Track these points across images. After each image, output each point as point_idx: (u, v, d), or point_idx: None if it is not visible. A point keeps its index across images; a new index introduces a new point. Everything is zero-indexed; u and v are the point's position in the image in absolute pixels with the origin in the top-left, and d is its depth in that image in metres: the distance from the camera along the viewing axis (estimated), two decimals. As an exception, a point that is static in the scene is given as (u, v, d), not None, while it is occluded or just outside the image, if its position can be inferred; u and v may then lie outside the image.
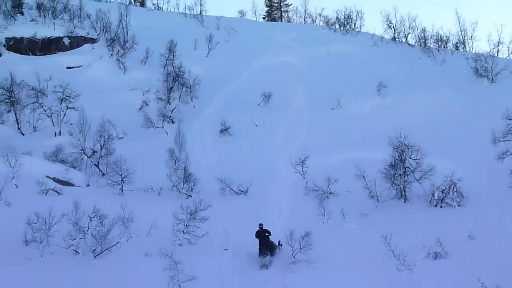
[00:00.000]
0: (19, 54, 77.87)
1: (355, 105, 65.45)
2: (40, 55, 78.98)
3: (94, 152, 49.66)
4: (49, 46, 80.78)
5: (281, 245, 32.34)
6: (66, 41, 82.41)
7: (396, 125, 44.44)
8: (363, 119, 60.73)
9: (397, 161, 40.68)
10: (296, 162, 45.69)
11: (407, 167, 40.24)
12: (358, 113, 62.94)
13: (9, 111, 61.38)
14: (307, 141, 55.64)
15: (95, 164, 49.04)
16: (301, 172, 45.23)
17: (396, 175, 40.36)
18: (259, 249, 31.87)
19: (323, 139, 55.36)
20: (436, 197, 38.07)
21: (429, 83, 68.69)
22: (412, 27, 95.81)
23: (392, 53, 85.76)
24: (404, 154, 40.62)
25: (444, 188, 37.94)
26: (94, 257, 30.36)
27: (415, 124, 51.86)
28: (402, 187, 40.09)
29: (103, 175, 47.80)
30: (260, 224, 32.95)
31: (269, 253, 31.80)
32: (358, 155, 47.21)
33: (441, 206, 37.79)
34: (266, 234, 32.27)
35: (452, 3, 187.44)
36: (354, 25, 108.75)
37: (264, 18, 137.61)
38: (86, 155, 49.46)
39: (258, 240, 32.20)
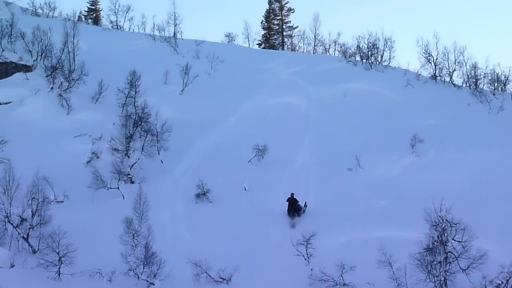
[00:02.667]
0: None
1: (381, 165, 65.81)
2: (-48, 86, 79.15)
3: (22, 220, 49.32)
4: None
5: (306, 206, 56.77)
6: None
7: (435, 194, 44.62)
8: (390, 184, 60.95)
9: (436, 243, 40.75)
10: (298, 241, 45.67)
11: (449, 251, 40.32)
12: (384, 177, 63.21)
13: None
14: (314, 212, 55.69)
15: (23, 237, 48.69)
16: (305, 255, 45.17)
17: (434, 263, 40.40)
18: (288, 211, 56.12)
19: (336, 210, 55.43)
20: (489, 294, 38.11)
21: (481, 138, 69.28)
22: (459, 62, 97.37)
23: (431, 97, 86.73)
24: (446, 234, 40.74)
25: (500, 282, 37.99)
26: None
27: (461, 193, 52.14)
28: (443, 278, 40.09)
29: (34, 252, 47.44)
30: (292, 193, 56.77)
31: (296, 214, 55.75)
32: (383, 233, 47.29)
33: (495, 307, 37.83)
34: (296, 201, 56.39)
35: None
36: (381, 57, 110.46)
37: (260, 44, 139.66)
38: (12, 224, 49.09)
39: (288, 203, 56.30)
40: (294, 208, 56.15)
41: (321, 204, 57.62)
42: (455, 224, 40.84)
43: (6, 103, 76.76)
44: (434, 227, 41.07)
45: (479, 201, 52.91)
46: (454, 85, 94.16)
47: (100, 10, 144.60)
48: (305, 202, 56.96)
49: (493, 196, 54.63)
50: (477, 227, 41.16)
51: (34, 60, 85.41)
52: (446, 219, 41.01)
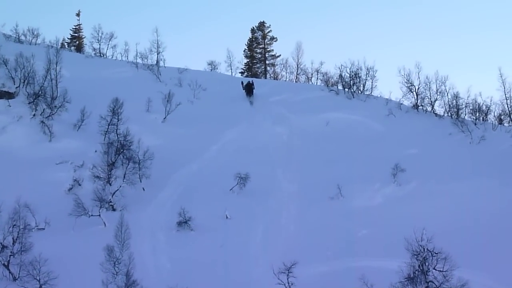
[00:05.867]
0: None
1: (362, 194, 66.10)
2: None
3: (3, 247, 49.27)
4: None
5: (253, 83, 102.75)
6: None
7: (416, 223, 44.88)
8: (372, 214, 61.24)
9: (417, 272, 40.95)
10: (280, 270, 45.71)
11: (430, 281, 40.53)
12: (366, 206, 63.50)
13: None
14: (296, 241, 55.83)
15: (3, 264, 48.59)
16: (286, 284, 45.23)
17: (415, 292, 40.57)
18: (247, 93, 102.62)
19: (317, 239, 55.62)
20: (469, 324, 38.30)
21: (463, 168, 69.75)
22: (440, 92, 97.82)
23: (413, 126, 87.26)
24: (427, 264, 40.97)
25: (480, 311, 38.20)
26: None
27: (443, 223, 52.48)
28: (424, 308, 40.26)
29: (15, 279, 47.34)
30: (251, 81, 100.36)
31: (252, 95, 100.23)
32: (364, 262, 47.49)
33: (475, 336, 38.01)
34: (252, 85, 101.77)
35: (495, 61, 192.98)
36: (363, 87, 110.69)
37: (242, 73, 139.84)
38: (-7, 251, 49.18)
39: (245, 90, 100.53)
40: (251, 91, 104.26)
41: (302, 233, 57.79)
42: (436, 253, 41.10)
43: (-12, 130, 76.64)
44: (415, 256, 41.31)
45: (460, 230, 53.26)
46: (436, 114, 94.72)
47: (83, 38, 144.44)
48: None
49: (474, 226, 55.02)
50: (458, 256, 41.44)
51: (16, 87, 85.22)
52: (427, 249, 41.28)
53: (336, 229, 57.68)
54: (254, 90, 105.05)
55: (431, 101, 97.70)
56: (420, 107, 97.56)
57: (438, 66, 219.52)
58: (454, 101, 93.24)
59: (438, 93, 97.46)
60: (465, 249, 46.13)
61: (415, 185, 67.28)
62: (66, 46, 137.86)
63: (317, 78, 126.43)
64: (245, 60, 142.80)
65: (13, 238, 49.16)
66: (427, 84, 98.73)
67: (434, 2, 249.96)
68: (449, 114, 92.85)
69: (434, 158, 74.03)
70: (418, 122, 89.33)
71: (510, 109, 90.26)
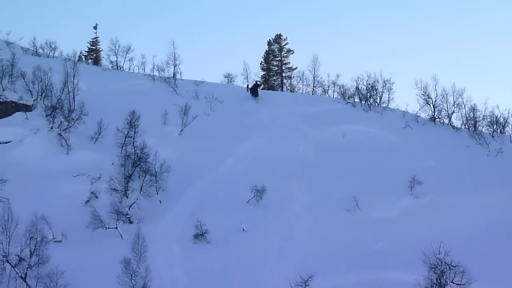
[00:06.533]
0: None
1: (379, 207, 65.94)
2: (-47, 125, 79.26)
3: (20, 260, 49.30)
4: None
5: (260, 84, 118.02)
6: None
7: (433, 236, 44.80)
8: (388, 226, 61.04)
9: (434, 286, 40.76)
10: (296, 282, 45.64)
11: (447, 294, 40.31)
12: (383, 218, 63.32)
13: None
14: (312, 253, 55.67)
15: (21, 277, 48.65)
16: (303, 297, 45.15)
17: (432, 305, 40.40)
18: (252, 93, 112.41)
19: (334, 252, 55.46)
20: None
21: (480, 180, 69.40)
22: (458, 104, 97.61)
23: (430, 139, 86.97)
24: (445, 277, 40.78)
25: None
26: None
27: (460, 236, 52.18)
28: (441, 321, 40.07)
29: (32, 292, 47.48)
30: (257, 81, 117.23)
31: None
32: (381, 275, 47.25)
33: None
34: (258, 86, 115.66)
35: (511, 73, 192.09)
36: (380, 99, 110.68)
37: (259, 85, 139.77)
38: (10, 263, 49.09)
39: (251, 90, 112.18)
40: (257, 92, 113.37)
41: (318, 245, 57.64)
42: (454, 266, 40.91)
43: (6, 143, 76.82)
44: (433, 269, 41.13)
45: (478, 243, 52.92)
46: (453, 127, 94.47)
47: (100, 50, 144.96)
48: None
49: (492, 239, 54.64)
50: (476, 270, 41.23)
51: (34, 100, 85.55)
52: (445, 262, 41.10)
53: (352, 242, 57.50)
54: (259, 90, 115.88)
55: (448, 114, 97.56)
56: (437, 120, 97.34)
57: (455, 78, 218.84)
58: (472, 113, 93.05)
59: (455, 106, 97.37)
60: (483, 263, 45.84)
61: (432, 197, 67.03)
62: (84, 59, 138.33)
63: (334, 90, 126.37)
64: (262, 73, 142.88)
65: (30, 251, 49.19)
66: (444, 97, 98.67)
67: (451, 15, 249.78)
68: (467, 126, 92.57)
69: (451, 170, 73.75)
70: (435, 135, 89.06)
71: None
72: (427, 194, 67.68)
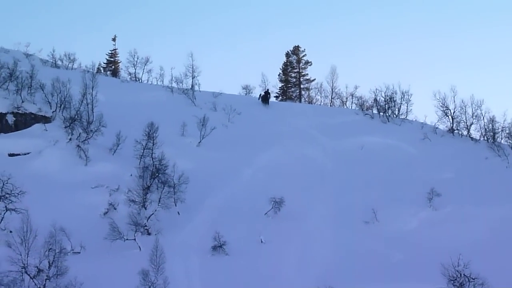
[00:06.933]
0: None
1: (397, 219, 65.74)
2: (-27, 137, 79.55)
3: (39, 271, 49.47)
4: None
5: (269, 93, 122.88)
6: (10, 119, 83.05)
7: (452, 248, 44.63)
8: (407, 238, 60.87)
9: (453, 298, 40.59)
10: (315, 294, 45.58)
11: (467, 307, 40.13)
12: (401, 230, 63.15)
13: None
14: (330, 265, 55.55)
15: (39, 288, 48.93)
16: (322, 309, 45.06)
17: (451, 318, 40.23)
18: (263, 100, 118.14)
19: (352, 263, 55.35)
20: None
21: (499, 192, 69.10)
22: (476, 116, 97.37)
23: (449, 150, 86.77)
24: (464, 289, 40.58)
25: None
26: None
27: (479, 248, 51.95)
28: (460, 334, 39.89)
29: (50, 303, 47.61)
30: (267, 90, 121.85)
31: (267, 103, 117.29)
32: (399, 286, 47.07)
33: None
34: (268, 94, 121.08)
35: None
36: (398, 111, 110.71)
37: (277, 97, 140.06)
38: (29, 275, 49.23)
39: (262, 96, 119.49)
40: (267, 99, 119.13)
41: (337, 257, 57.53)
42: (473, 279, 40.75)
43: (25, 154, 77.14)
44: (452, 281, 40.97)
45: (497, 255, 52.68)
46: (472, 138, 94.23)
47: (119, 62, 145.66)
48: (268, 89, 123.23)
49: (511, 251, 54.42)
50: (495, 282, 41.03)
51: (53, 111, 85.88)
52: (464, 274, 40.94)
53: (371, 253, 57.36)
54: (269, 98, 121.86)
55: (467, 125, 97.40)
56: (456, 131, 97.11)
57: (473, 90, 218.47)
58: (490, 125, 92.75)
59: (474, 117, 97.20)
60: (502, 275, 45.58)
61: (451, 209, 66.83)
62: (102, 71, 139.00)
63: (352, 102, 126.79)
64: (280, 84, 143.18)
65: (49, 262, 49.33)
66: (462, 108, 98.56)
67: (469, 26, 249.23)
68: (485, 138, 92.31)
69: (470, 182, 73.52)
70: (454, 146, 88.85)
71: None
72: (446, 205, 67.46)
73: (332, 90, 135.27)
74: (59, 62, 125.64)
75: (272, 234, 62.83)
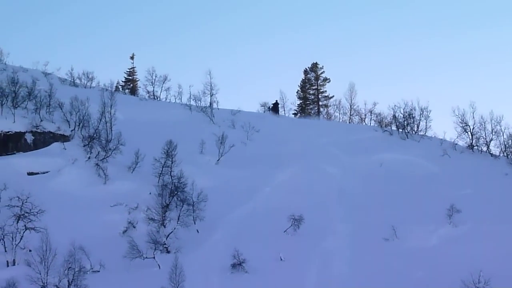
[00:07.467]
0: (-36, 154, 79.25)
1: (417, 235, 65.52)
2: (-7, 155, 79.99)
3: (59, 290, 49.74)
4: (6, 144, 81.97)
5: (278, 103, 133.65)
6: (29, 138, 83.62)
7: (473, 265, 44.45)
8: (427, 254, 60.63)
9: (474, 315, 40.47)
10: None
11: (488, 324, 39.98)
12: (421, 247, 62.89)
13: None
14: (350, 283, 55.41)
15: (59, 307, 49.06)
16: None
17: (472, 335, 40.09)
18: (274, 110, 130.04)
19: (372, 281, 55.14)
20: None
21: (519, 208, 68.93)
22: (496, 132, 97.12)
23: (468, 166, 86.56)
24: (484, 306, 40.45)
25: None
26: None
27: (500, 265, 51.69)
28: None
29: (70, 321, 47.74)
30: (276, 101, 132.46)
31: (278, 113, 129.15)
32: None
33: None
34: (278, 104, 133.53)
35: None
36: (417, 127, 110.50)
37: (295, 114, 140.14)
38: (48, 293, 49.56)
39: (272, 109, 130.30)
40: (277, 109, 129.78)
41: (356, 274, 57.37)
42: (494, 296, 40.59)
43: (44, 173, 77.66)
44: (473, 298, 40.83)
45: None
46: (491, 154, 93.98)
47: (137, 80, 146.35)
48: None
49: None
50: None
51: (71, 130, 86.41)
52: (484, 291, 40.78)
53: (391, 271, 57.14)
54: (279, 109, 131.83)
55: (486, 141, 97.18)
56: (475, 147, 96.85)
57: (493, 106, 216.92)
58: (510, 140, 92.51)
59: (493, 133, 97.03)
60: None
61: (471, 226, 66.57)
62: (121, 89, 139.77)
63: (371, 118, 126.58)
64: (298, 101, 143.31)
65: (68, 281, 49.55)
66: (482, 124, 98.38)
67: (488, 42, 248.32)
68: (505, 154, 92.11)
69: (490, 198, 73.27)
70: (473, 162, 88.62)
71: None
72: (466, 222, 67.22)
73: (350, 106, 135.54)
74: (77, 81, 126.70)
75: (292, 252, 62.71)
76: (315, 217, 70.37)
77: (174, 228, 66.39)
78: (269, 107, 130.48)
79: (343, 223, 71.31)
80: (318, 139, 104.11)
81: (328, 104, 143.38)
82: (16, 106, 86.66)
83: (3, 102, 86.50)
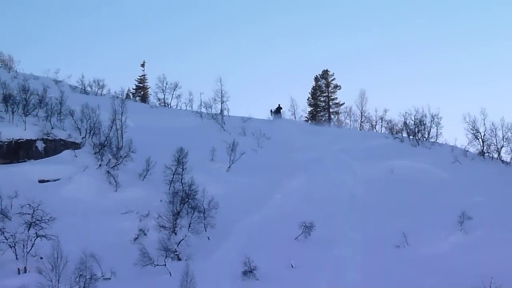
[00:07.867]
0: (-26, 161, 79.51)
1: (428, 242, 65.48)
2: (3, 163, 79.84)
3: (70, 297, 49.89)
4: (17, 151, 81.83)
5: (281, 107, 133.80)
6: (40, 145, 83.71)
7: (484, 272, 44.40)
8: (439, 262, 60.58)
9: (485, 323, 40.42)
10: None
11: (499, 332, 39.92)
12: (432, 254, 62.84)
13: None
14: (362, 290, 55.48)
15: (70, 314, 49.20)
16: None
17: None
18: (276, 113, 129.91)
19: (384, 288, 55.19)
20: None
21: (531, 215, 68.79)
22: (507, 139, 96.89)
23: (480, 173, 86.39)
24: (496, 314, 40.40)
25: None
26: None
27: (511, 272, 51.58)
28: None
29: (82, 329, 47.85)
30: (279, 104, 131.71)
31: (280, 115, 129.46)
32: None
33: None
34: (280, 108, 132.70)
35: None
36: (428, 134, 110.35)
37: (306, 121, 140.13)
38: (60, 301, 49.72)
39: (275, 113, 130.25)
40: (280, 113, 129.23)
41: (368, 282, 57.37)
42: (505, 303, 40.54)
43: (55, 180, 77.74)
44: (484, 306, 40.79)
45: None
46: (503, 161, 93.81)
47: (148, 88, 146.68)
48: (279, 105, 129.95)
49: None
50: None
51: (82, 138, 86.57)
52: (496, 299, 40.75)
53: (402, 278, 57.08)
54: (282, 112, 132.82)
55: (498, 148, 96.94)
56: (486, 154, 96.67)
57: (504, 112, 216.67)
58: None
59: (504, 140, 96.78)
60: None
61: (482, 233, 66.47)
62: (131, 97, 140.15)
63: (382, 125, 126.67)
64: (309, 108, 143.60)
65: (79, 288, 49.70)
66: (493, 131, 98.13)
67: (498, 48, 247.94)
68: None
69: (502, 205, 73.12)
70: (484, 169, 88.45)
71: None
72: (477, 229, 67.13)
73: (361, 114, 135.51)
74: (88, 88, 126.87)
75: (303, 259, 62.75)
76: (326, 224, 70.40)
77: (185, 236, 66.38)
78: (271, 111, 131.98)
79: (354, 230, 71.33)
80: (329, 146, 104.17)
81: (339, 111, 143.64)
82: (27, 113, 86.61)
83: (14, 110, 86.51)
